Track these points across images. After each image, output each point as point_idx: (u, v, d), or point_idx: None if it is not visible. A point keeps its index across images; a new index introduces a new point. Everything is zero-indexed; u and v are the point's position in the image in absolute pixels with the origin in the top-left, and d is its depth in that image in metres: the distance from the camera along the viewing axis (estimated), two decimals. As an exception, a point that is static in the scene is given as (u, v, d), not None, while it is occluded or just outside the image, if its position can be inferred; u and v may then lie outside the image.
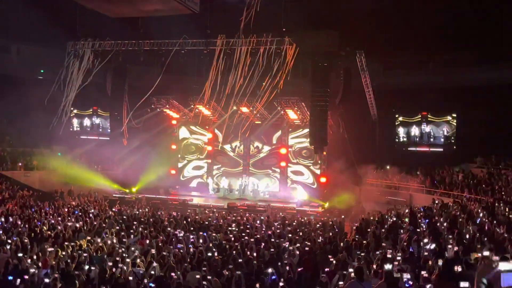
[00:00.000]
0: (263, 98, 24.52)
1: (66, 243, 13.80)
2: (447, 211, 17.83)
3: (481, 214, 15.80)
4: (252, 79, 23.56)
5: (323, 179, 28.92)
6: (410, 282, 8.03)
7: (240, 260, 12.25)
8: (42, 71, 31.86)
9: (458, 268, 8.66)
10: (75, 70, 25.78)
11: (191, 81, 29.29)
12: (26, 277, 9.97)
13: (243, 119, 29.54)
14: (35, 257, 12.21)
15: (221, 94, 24.35)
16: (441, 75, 28.53)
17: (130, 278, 10.42)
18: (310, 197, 28.91)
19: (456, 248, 10.95)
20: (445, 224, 14.91)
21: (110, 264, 11.52)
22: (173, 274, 10.70)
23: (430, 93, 28.65)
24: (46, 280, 9.89)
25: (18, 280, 9.58)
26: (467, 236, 12.86)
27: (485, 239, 11.64)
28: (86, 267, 11.27)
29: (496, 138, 25.26)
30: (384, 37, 27.57)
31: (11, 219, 17.71)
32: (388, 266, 9.27)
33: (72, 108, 31.30)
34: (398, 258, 10.83)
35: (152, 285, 9.78)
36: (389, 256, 10.90)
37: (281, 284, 10.10)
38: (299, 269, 12.05)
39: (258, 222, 19.96)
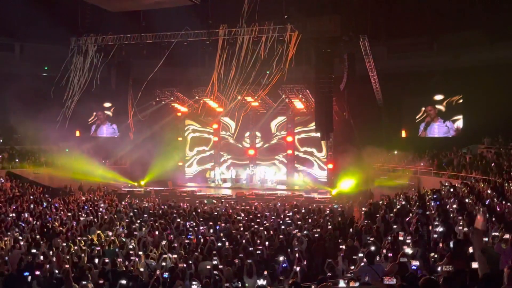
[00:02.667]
0: (267, 86, 24.47)
1: (78, 238, 13.95)
2: (454, 193, 17.78)
3: (488, 195, 15.73)
4: (255, 68, 23.49)
5: (330, 166, 28.91)
6: (416, 266, 8.03)
7: (250, 249, 12.33)
8: (46, 68, 31.94)
9: (469, 249, 8.66)
10: (79, 66, 25.85)
11: (194, 73, 29.30)
12: (38, 272, 10.09)
13: (247, 108, 29.56)
14: (51, 252, 12.35)
15: (225, 84, 24.33)
16: (446, 56, 28.22)
17: (141, 269, 10.55)
18: (318, 184, 28.99)
19: (466, 230, 10.94)
20: (454, 206, 14.88)
21: (122, 257, 11.64)
22: (184, 264, 10.80)
23: (436, 74, 28.38)
24: (59, 275, 10.02)
25: (31, 277, 9.71)
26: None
27: (494, 219, 11.60)
28: (99, 260, 11.39)
29: (504, 118, 25.03)
30: (387, 19, 27.28)
31: (23, 216, 17.89)
32: (407, 251, 9.21)
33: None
34: (408, 241, 10.86)
35: (166, 275, 9.89)
36: (400, 238, 10.93)
37: (295, 268, 10.17)
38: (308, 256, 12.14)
39: (267, 210, 20.04)
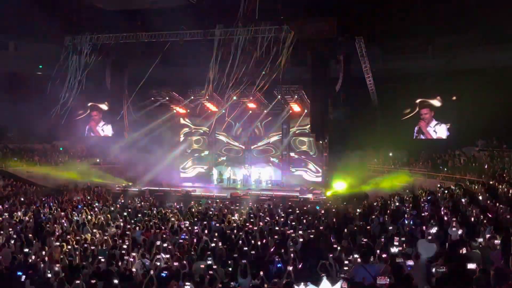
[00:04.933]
0: (263, 87, 24.44)
1: (68, 237, 13.87)
2: (449, 194, 17.85)
3: (482, 197, 15.81)
4: (251, 68, 23.47)
5: (325, 167, 28.91)
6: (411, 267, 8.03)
7: (245, 249, 12.29)
8: (40, 66, 31.77)
9: (463, 250, 8.70)
10: (74, 65, 25.73)
11: (190, 73, 29.22)
12: (30, 271, 10.03)
13: (243, 108, 29.54)
14: (43, 252, 12.27)
15: (220, 84, 24.30)
16: (441, 58, 28.29)
17: (133, 269, 10.50)
18: (313, 185, 29.00)
19: (460, 231, 10.98)
20: (448, 207, 14.94)
21: (116, 257, 11.57)
22: (177, 263, 10.75)
23: (431, 76, 28.44)
24: (50, 275, 9.94)
25: (24, 276, 9.64)
26: (472, 219, 12.88)
27: (486, 221, 11.65)
28: (92, 260, 11.34)
29: (497, 120, 25.11)
30: (383, 21, 27.31)
31: (16, 215, 17.77)
32: (393, 250, 9.31)
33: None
34: (402, 242, 10.87)
35: (163, 275, 9.85)
36: (395, 242, 10.94)
37: (289, 269, 10.12)
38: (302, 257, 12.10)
39: (261, 211, 20.00)
